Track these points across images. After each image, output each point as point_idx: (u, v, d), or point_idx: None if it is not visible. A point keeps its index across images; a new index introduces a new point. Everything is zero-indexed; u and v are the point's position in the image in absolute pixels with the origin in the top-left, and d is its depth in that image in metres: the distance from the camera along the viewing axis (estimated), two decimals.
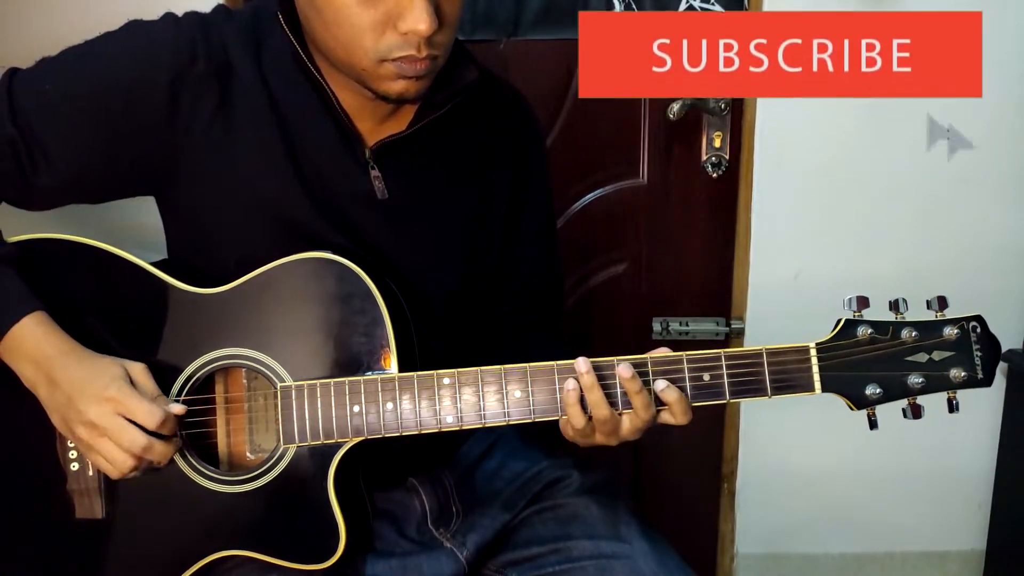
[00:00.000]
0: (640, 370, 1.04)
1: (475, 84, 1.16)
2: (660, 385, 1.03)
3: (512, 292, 1.30)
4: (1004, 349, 1.90)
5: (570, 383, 1.03)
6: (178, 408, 1.06)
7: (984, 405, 2.01)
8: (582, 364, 1.03)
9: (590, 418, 1.05)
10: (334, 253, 1.09)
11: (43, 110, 1.08)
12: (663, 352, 1.06)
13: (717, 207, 2.02)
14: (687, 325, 2.04)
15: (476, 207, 1.23)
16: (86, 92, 1.08)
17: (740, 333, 2.02)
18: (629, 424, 1.06)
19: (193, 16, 1.13)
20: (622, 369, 1.02)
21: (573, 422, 1.05)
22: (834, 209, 1.96)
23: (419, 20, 0.98)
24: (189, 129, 1.09)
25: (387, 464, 1.19)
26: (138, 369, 1.07)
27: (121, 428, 1.02)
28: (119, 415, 1.02)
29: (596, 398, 1.03)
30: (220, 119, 1.10)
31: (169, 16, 1.13)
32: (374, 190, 1.15)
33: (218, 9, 1.16)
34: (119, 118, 1.08)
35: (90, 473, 1.11)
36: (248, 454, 1.14)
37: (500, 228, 1.26)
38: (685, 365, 1.04)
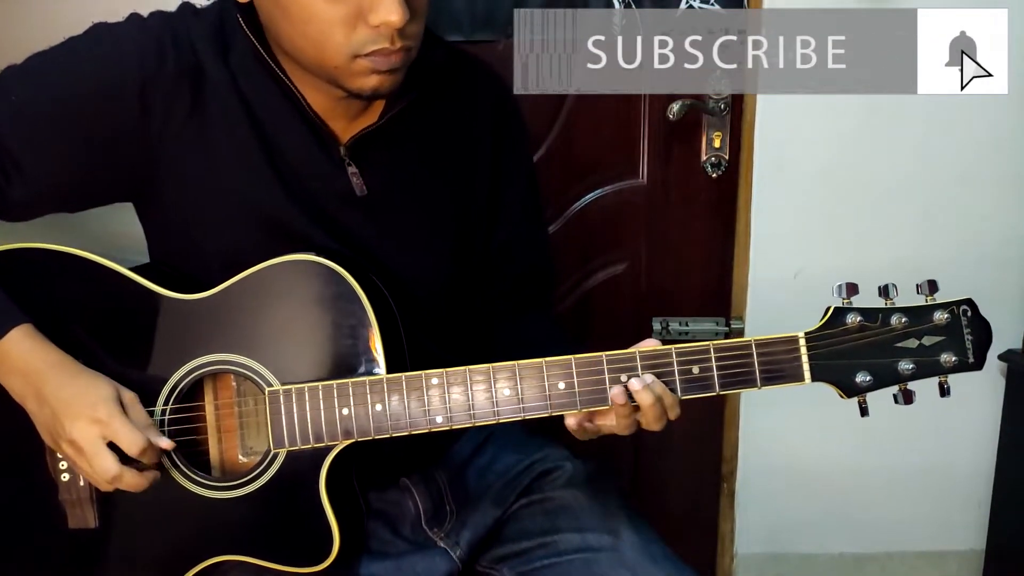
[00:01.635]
0: (628, 364, 1.04)
1: (442, 64, 1.15)
2: (635, 384, 1.03)
3: (500, 271, 1.29)
4: (1004, 349, 1.93)
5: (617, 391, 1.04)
6: (166, 443, 1.05)
7: (984, 404, 2.01)
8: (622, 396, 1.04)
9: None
10: (318, 254, 1.08)
11: (11, 121, 1.07)
12: (652, 345, 1.06)
13: (717, 207, 2.02)
14: (687, 325, 2.04)
15: (459, 189, 1.22)
16: (53, 101, 1.07)
17: (740, 333, 2.02)
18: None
19: (159, 16, 1.11)
20: (615, 394, 1.03)
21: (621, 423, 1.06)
22: (834, 209, 1.96)
23: (391, 11, 0.97)
24: (163, 132, 1.08)
25: (380, 464, 1.19)
26: (130, 396, 1.06)
27: (95, 453, 1.02)
28: (101, 438, 1.02)
29: (654, 415, 1.04)
30: (194, 120, 1.09)
31: (134, 17, 1.11)
32: (352, 187, 1.14)
33: (183, 7, 1.14)
34: (89, 125, 1.07)
35: (81, 483, 1.10)
36: (240, 458, 1.13)
37: (484, 206, 1.24)
38: (674, 358, 1.04)
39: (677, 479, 2.17)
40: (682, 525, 2.17)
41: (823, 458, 2.09)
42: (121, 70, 1.07)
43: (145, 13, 1.12)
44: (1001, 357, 1.94)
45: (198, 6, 1.15)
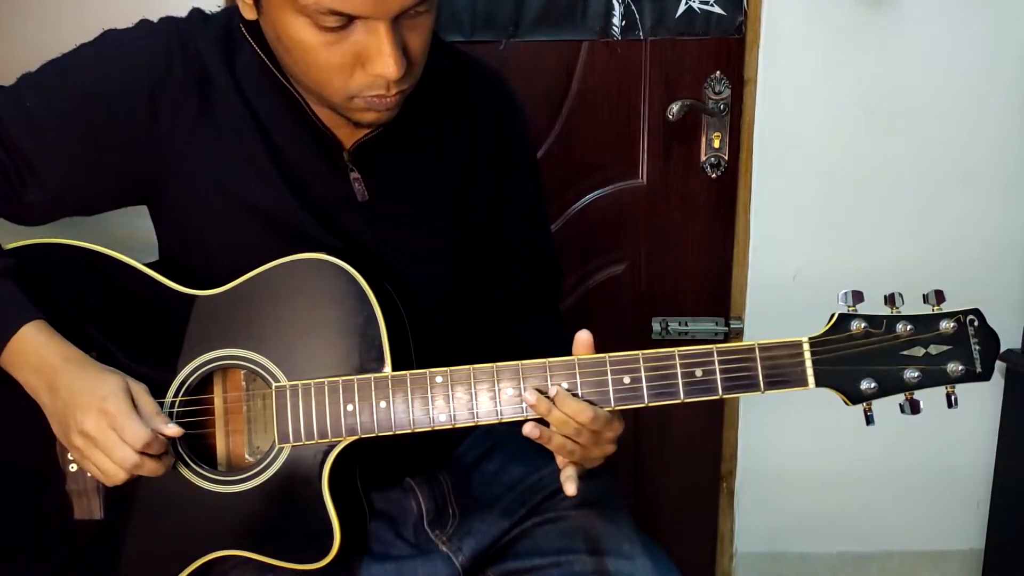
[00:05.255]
0: (631, 365, 1.03)
1: (446, 70, 1.16)
2: (552, 390, 1.04)
3: (506, 275, 1.29)
4: (1003, 349, 1.92)
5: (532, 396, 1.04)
6: (173, 430, 1.05)
7: (983, 404, 2.01)
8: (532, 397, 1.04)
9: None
10: (328, 254, 1.09)
11: (27, 127, 1.08)
12: None
13: (716, 207, 2.03)
14: (686, 325, 2.04)
15: (463, 193, 1.22)
16: (66, 107, 1.08)
17: (739, 333, 2.02)
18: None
19: (168, 22, 1.12)
20: (528, 396, 1.04)
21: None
22: (833, 209, 1.96)
23: (386, 67, 0.98)
24: (172, 134, 1.09)
25: (384, 464, 1.19)
26: (138, 387, 1.07)
27: (114, 443, 1.02)
28: (113, 429, 1.02)
29: (558, 418, 1.04)
30: (202, 125, 1.10)
31: (144, 24, 1.12)
32: (354, 193, 1.14)
33: (193, 14, 1.15)
34: (101, 130, 1.08)
35: (88, 474, 1.11)
36: (247, 455, 1.14)
37: (488, 210, 1.25)
38: (677, 360, 1.03)
39: (677, 479, 2.18)
40: (682, 524, 2.18)
41: (822, 458, 2.10)
42: (130, 74, 1.08)
43: (154, 19, 1.13)
44: (1000, 357, 1.93)
45: (208, 12, 1.16)
